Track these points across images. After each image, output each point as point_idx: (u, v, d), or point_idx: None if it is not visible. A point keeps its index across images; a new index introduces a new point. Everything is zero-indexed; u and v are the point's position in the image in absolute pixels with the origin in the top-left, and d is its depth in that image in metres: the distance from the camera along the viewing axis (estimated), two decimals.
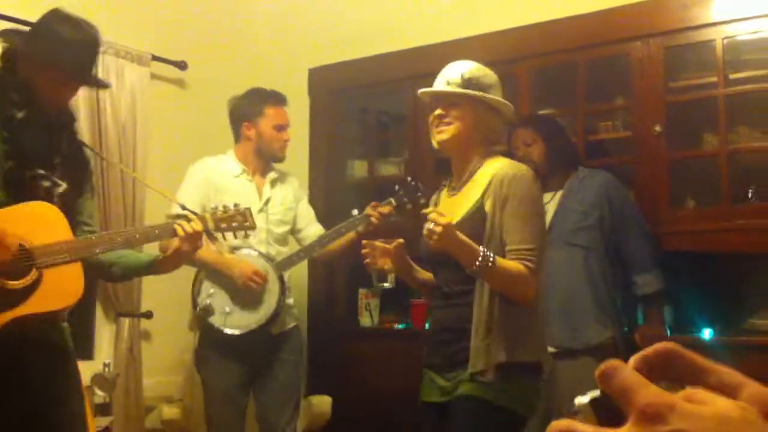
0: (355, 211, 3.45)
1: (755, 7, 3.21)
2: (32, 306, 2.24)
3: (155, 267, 2.54)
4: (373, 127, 4.36)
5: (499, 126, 2.45)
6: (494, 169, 2.35)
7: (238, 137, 3.56)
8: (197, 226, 2.45)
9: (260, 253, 3.37)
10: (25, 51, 2.35)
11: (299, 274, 4.14)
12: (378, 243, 2.45)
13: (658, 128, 3.33)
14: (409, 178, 3.54)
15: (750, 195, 3.30)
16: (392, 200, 3.40)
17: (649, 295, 3.21)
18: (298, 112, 4.40)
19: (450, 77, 2.42)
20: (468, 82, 2.38)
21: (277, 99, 3.57)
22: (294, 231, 3.61)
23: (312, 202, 4.22)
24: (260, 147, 3.51)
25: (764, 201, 3.24)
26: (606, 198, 3.22)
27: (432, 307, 2.54)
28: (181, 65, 4.32)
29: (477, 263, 2.17)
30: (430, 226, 2.17)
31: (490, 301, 2.27)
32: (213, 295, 3.29)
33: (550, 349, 3.12)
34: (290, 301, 3.52)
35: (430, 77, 3.89)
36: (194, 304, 3.32)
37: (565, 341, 3.12)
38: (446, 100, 2.41)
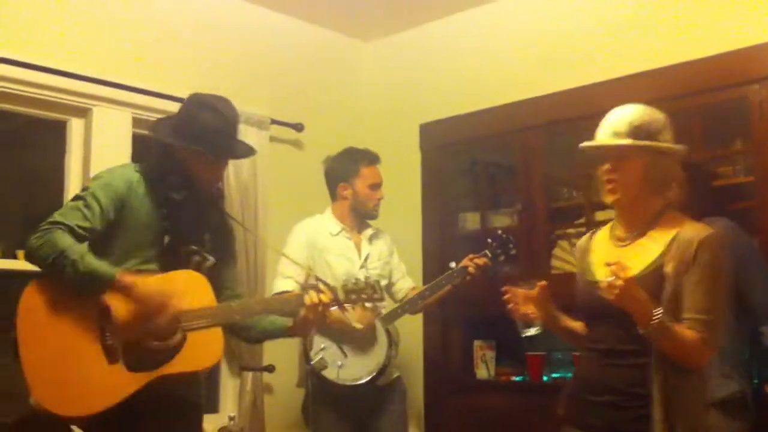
0: (453, 264, 3.53)
1: None
2: (176, 366, 2.42)
3: (286, 332, 2.72)
4: (484, 179, 4.39)
5: (672, 170, 2.30)
6: (678, 228, 2.22)
7: (334, 196, 3.69)
8: (324, 297, 2.59)
9: (366, 308, 3.44)
10: (175, 141, 2.58)
11: (413, 326, 4.18)
12: (519, 289, 2.36)
13: None
14: (499, 231, 3.62)
15: None
16: (487, 252, 3.51)
17: None
18: (410, 167, 4.50)
19: (617, 127, 2.26)
20: (637, 131, 2.23)
21: (371, 159, 3.68)
22: (387, 285, 3.68)
23: (425, 255, 4.29)
24: (356, 206, 3.63)
25: None
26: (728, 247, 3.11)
27: (587, 363, 2.37)
28: (298, 127, 4.50)
29: (652, 323, 2.07)
30: (611, 279, 2.07)
31: (672, 367, 2.15)
32: (325, 349, 3.40)
33: None
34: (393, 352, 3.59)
35: (539, 128, 3.95)
36: (307, 359, 3.43)
37: None
38: (614, 153, 2.26)
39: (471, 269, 3.46)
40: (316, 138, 4.57)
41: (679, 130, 3.59)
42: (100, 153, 3.77)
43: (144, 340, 2.40)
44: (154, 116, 3.84)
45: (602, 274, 2.21)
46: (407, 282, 3.76)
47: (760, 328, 3.08)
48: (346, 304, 2.71)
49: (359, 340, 3.42)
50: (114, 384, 2.36)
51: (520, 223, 4.02)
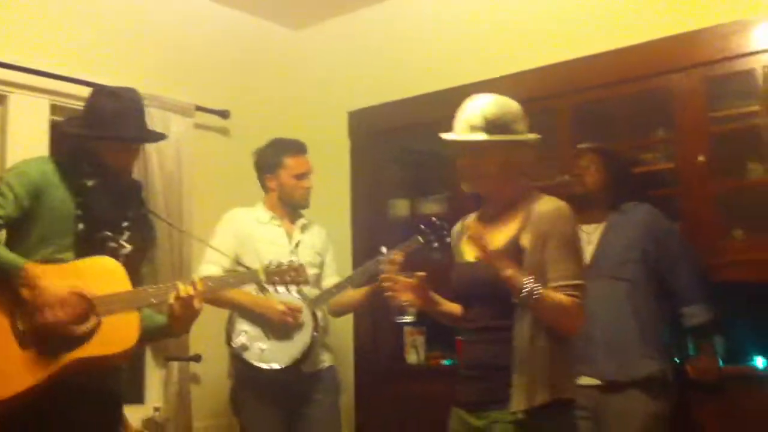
0: (384, 249, 3.50)
1: None
2: (89, 350, 2.38)
3: (167, 330, 2.61)
4: (414, 166, 4.40)
5: (529, 156, 2.39)
6: (532, 203, 2.32)
7: (264, 189, 3.66)
8: (190, 290, 2.49)
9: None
10: (83, 132, 2.61)
11: None
12: (400, 277, 2.42)
13: (701, 158, 3.30)
14: (433, 218, 3.59)
15: None
16: (419, 238, 3.49)
17: (698, 327, 3.15)
18: (339, 155, 4.47)
19: (473, 121, 2.33)
20: (491, 125, 2.31)
21: (296, 148, 3.63)
22: (318, 276, 3.64)
23: (355, 243, 4.26)
24: (283, 197, 3.60)
25: None
26: (649, 231, 3.19)
27: (464, 343, 2.47)
28: (224, 114, 4.42)
29: (524, 291, 2.15)
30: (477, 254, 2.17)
31: (531, 337, 2.22)
32: (248, 333, 3.37)
33: (597, 383, 3.10)
34: (326, 340, 3.57)
35: None
36: (228, 343, 3.39)
37: (611, 375, 3.09)
38: (470, 146, 2.34)
39: (383, 266, 3.38)
40: (243, 125, 4.51)
41: (604, 118, 3.72)
42: (17, 141, 3.66)
43: (56, 325, 2.36)
44: (73, 103, 3.78)
45: (473, 256, 2.33)
46: (334, 280, 3.69)
47: (681, 310, 3.17)
48: (268, 286, 2.68)
49: (284, 324, 3.36)
50: (25, 369, 2.32)
51: (449, 210, 4.04)
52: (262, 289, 2.72)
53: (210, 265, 3.36)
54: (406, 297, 2.40)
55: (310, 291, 3.51)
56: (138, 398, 3.95)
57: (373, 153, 4.42)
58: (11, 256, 2.38)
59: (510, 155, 2.33)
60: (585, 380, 3.11)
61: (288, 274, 2.72)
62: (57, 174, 2.55)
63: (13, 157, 3.51)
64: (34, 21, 3.76)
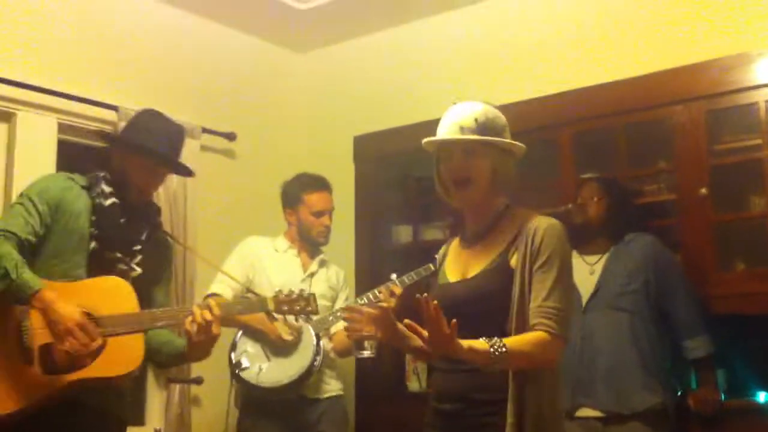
0: (394, 275, 3.50)
1: None
2: (93, 371, 2.38)
3: (186, 355, 2.59)
4: (417, 192, 4.41)
5: (514, 169, 2.23)
6: (521, 220, 2.15)
7: (286, 221, 3.68)
8: (207, 315, 2.44)
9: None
10: (121, 141, 2.68)
11: None
12: (364, 308, 2.20)
13: (703, 191, 3.32)
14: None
15: None
16: (431, 266, 3.46)
17: (700, 359, 3.16)
18: (344, 179, 4.48)
19: (463, 123, 2.15)
20: (483, 127, 2.14)
21: (317, 185, 3.65)
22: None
23: (358, 267, 4.26)
24: (301, 232, 3.63)
25: None
26: (651, 261, 3.20)
27: (437, 371, 2.25)
28: (230, 136, 4.45)
29: (491, 357, 1.93)
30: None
31: (521, 372, 2.02)
32: (248, 353, 3.37)
33: (598, 414, 3.10)
34: (333, 372, 3.56)
35: None
36: (229, 360, 3.40)
37: (613, 407, 3.09)
38: (461, 148, 2.16)
39: (383, 300, 3.37)
40: (249, 148, 4.53)
41: (607, 148, 3.74)
42: (24, 158, 3.68)
43: (76, 351, 2.36)
44: (80, 122, 3.83)
45: (453, 276, 2.22)
46: (341, 323, 3.68)
47: (682, 342, 3.17)
48: (277, 315, 2.66)
49: (281, 342, 3.37)
50: (27, 386, 2.33)
51: (451, 236, 4.04)
52: (271, 318, 2.70)
53: (219, 284, 3.38)
54: (367, 329, 2.16)
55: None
56: (139, 420, 3.95)
57: (377, 178, 4.44)
58: (28, 276, 2.36)
59: (499, 162, 2.17)
60: (586, 412, 3.13)
61: (298, 303, 2.70)
62: (75, 190, 2.59)
63: (20, 175, 3.54)
64: (42, 39, 3.78)
